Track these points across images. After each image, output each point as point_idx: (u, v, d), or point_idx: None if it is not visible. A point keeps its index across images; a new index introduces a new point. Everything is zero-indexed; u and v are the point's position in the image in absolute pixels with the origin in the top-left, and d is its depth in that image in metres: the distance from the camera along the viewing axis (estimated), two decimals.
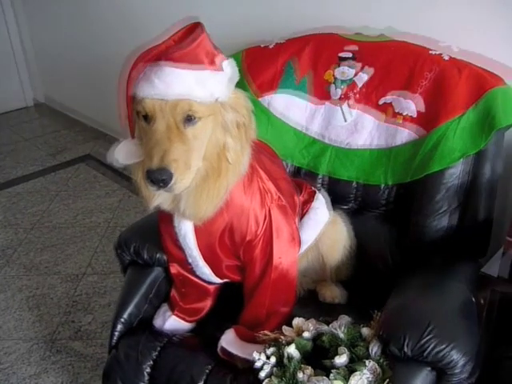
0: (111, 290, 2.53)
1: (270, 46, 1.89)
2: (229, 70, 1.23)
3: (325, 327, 1.40)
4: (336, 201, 1.80)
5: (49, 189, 3.48)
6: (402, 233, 1.70)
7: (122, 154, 1.28)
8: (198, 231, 1.44)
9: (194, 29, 1.19)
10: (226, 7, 2.58)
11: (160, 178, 1.15)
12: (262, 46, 1.91)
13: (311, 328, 1.40)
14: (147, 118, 1.19)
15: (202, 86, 1.18)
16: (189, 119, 1.19)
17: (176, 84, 1.16)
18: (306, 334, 1.38)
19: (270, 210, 1.45)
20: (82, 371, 2.11)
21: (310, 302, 1.66)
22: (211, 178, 1.28)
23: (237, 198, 1.39)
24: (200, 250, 1.48)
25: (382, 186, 1.74)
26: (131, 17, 3.30)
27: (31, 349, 2.22)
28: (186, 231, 1.44)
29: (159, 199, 1.34)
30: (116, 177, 3.57)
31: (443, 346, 1.22)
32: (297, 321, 1.44)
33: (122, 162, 1.29)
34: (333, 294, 1.70)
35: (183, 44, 1.15)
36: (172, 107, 1.16)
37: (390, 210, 1.76)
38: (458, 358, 1.22)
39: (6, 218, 3.15)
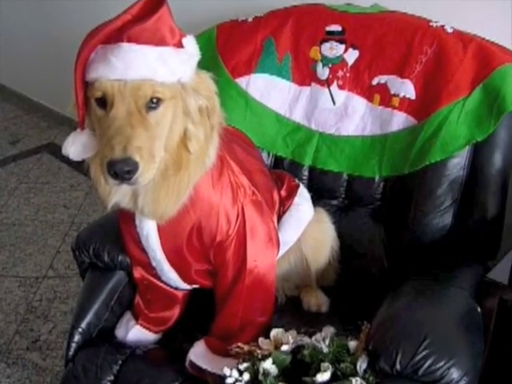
0: (74, 295, 2.49)
1: (249, 20, 1.90)
2: (190, 47, 1.20)
3: (306, 340, 1.37)
4: (323, 196, 1.82)
5: (8, 181, 3.46)
6: (399, 232, 1.70)
7: (74, 148, 1.24)
8: (162, 231, 1.41)
9: (153, 2, 1.15)
10: None
11: (124, 169, 1.11)
12: (240, 20, 1.91)
13: (291, 340, 1.37)
14: (103, 102, 1.16)
15: (165, 65, 1.16)
16: (151, 103, 1.16)
17: (137, 63, 1.13)
18: (284, 348, 1.35)
19: (243, 207, 1.43)
20: None
21: (291, 311, 1.66)
22: (171, 171, 1.24)
23: (204, 193, 1.36)
24: (165, 252, 1.45)
25: (376, 178, 1.75)
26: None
27: None
28: (149, 231, 1.42)
29: (117, 196, 1.31)
30: (82, 167, 3.51)
31: (441, 364, 1.19)
32: (275, 332, 1.41)
33: (74, 157, 1.25)
34: (318, 301, 1.68)
35: (143, 19, 1.13)
36: (133, 89, 1.13)
37: (384, 207, 1.77)
38: (458, 377, 1.19)
39: None
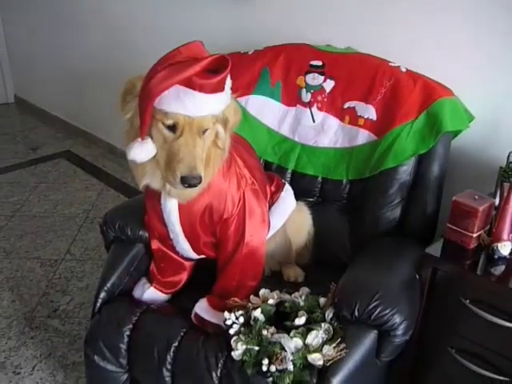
0: (89, 274, 2.65)
1: (249, 53, 2.09)
2: (228, 79, 1.42)
3: (287, 296, 1.59)
4: (302, 194, 1.98)
5: (29, 180, 3.58)
6: (360, 223, 1.89)
7: (142, 154, 1.42)
8: (182, 209, 1.60)
9: (219, 60, 1.33)
10: (204, 20, 2.78)
11: (195, 182, 1.38)
12: (242, 52, 2.11)
13: (275, 297, 1.59)
14: (172, 128, 1.38)
15: (219, 105, 1.41)
16: (205, 130, 1.41)
17: (204, 107, 1.37)
18: (270, 301, 1.56)
19: (244, 193, 1.63)
20: (59, 345, 2.24)
21: (274, 281, 1.81)
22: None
23: (217, 181, 1.57)
24: (182, 226, 1.63)
25: (344, 181, 1.94)
26: (110, 18, 3.47)
27: (11, 324, 2.34)
28: (171, 209, 1.60)
29: (149, 179, 1.51)
30: (95, 172, 3.71)
31: (387, 311, 1.43)
32: (263, 291, 1.61)
33: (140, 160, 1.43)
34: (296, 273, 1.88)
35: (213, 76, 1.33)
36: (198, 123, 1.38)
37: (349, 203, 1.96)
38: (399, 321, 1.44)
39: None
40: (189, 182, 1.37)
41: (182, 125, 1.37)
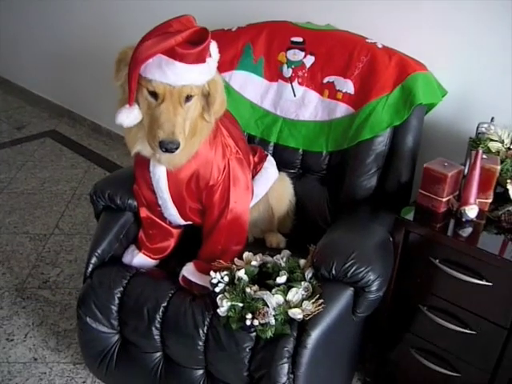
0: (77, 248, 2.73)
1: (233, 30, 2.15)
2: (213, 53, 1.50)
3: (269, 258, 1.69)
4: (284, 165, 2.07)
5: (15, 159, 3.62)
6: (338, 192, 1.99)
7: (129, 119, 1.51)
8: (170, 176, 1.68)
9: (200, 32, 1.41)
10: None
11: (173, 147, 1.45)
12: (226, 29, 2.17)
13: (258, 259, 1.69)
14: (154, 95, 1.46)
15: (201, 75, 1.48)
16: (187, 98, 1.48)
17: (185, 76, 1.44)
18: (253, 263, 1.66)
19: (229, 161, 1.71)
20: (50, 314, 2.33)
21: (257, 247, 1.88)
22: (189, 135, 1.54)
23: (203, 150, 1.65)
24: (170, 192, 1.71)
25: (324, 152, 2.02)
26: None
27: (2, 295, 2.41)
28: (160, 176, 1.68)
29: (140, 146, 1.60)
30: (81, 150, 3.75)
31: (362, 269, 1.53)
32: (246, 254, 1.72)
33: (127, 125, 1.52)
34: (278, 240, 1.97)
35: (192, 43, 1.40)
36: (179, 92, 1.45)
37: (329, 174, 2.04)
38: (374, 278, 1.54)
39: None
40: (166, 146, 1.45)
41: (162, 93, 1.45)
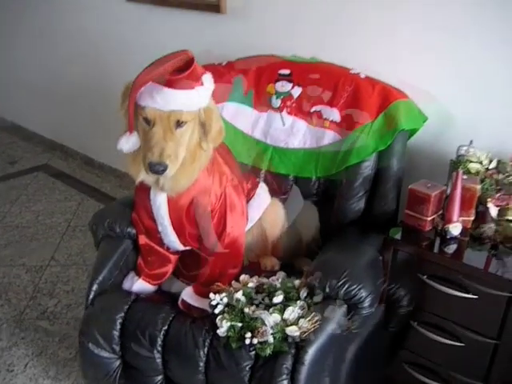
0: (74, 279, 2.77)
1: (223, 64, 2.27)
2: (207, 82, 1.62)
3: (265, 280, 1.76)
4: (276, 192, 2.12)
5: (9, 193, 3.66)
6: (328, 215, 2.06)
7: (128, 145, 1.63)
8: (171, 203, 1.76)
9: (186, 59, 1.54)
10: (178, 38, 2.94)
11: (160, 169, 1.55)
12: (216, 63, 2.28)
13: (255, 281, 1.76)
14: (148, 121, 1.57)
15: (189, 101, 1.59)
16: (178, 124, 1.58)
17: (172, 101, 1.54)
18: (250, 285, 1.73)
19: (225, 188, 1.79)
20: (49, 344, 2.36)
21: (253, 270, 1.92)
22: (188, 162, 1.65)
23: (202, 178, 1.74)
24: (170, 219, 1.79)
25: (313, 178, 2.11)
26: (84, 36, 3.60)
27: (1, 327, 2.44)
28: (161, 203, 1.77)
29: (143, 175, 1.68)
30: (74, 183, 3.81)
31: (354, 287, 1.61)
32: (243, 276, 1.79)
33: (127, 151, 1.64)
34: (272, 263, 2.03)
35: (180, 74, 1.52)
36: (168, 117, 1.55)
37: (319, 198, 2.14)
38: (365, 295, 1.61)
39: None
40: (153, 168, 1.54)
41: (153, 118, 1.55)
